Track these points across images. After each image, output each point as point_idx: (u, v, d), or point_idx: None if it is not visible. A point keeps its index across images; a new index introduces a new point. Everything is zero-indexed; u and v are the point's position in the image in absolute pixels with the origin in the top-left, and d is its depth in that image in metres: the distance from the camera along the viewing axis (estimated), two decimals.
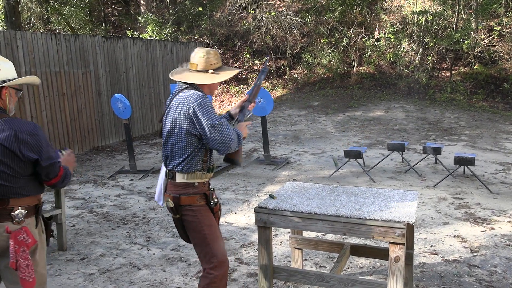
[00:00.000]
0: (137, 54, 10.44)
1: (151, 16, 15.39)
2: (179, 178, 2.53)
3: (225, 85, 15.06)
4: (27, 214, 2.24)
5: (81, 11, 17.66)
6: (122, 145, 9.51)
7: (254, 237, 4.39)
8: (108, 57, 9.58)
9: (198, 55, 2.58)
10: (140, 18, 15.86)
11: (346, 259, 3.19)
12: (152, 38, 13.46)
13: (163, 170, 2.64)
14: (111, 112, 9.52)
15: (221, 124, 2.44)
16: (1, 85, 2.19)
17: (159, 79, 11.17)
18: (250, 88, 3.66)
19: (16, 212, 2.20)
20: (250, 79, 15.22)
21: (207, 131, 2.42)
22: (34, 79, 2.40)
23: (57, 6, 16.49)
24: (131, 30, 16.11)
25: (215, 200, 2.65)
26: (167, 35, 15.32)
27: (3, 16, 13.50)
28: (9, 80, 2.22)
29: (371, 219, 2.48)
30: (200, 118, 2.41)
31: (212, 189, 2.67)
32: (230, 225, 4.79)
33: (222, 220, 4.93)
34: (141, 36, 14.94)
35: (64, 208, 4.27)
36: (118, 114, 7.04)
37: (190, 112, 2.42)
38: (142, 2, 17.75)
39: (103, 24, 19.20)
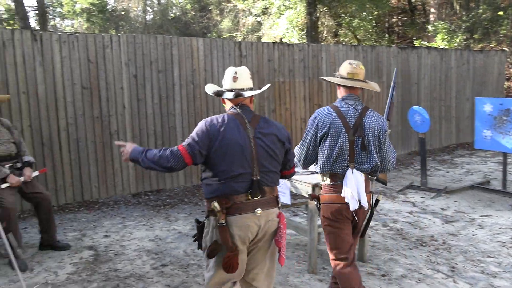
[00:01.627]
0: (431, 64, 9.94)
1: (441, 24, 14.55)
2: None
3: None
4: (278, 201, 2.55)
5: (369, 23, 18.16)
6: (407, 158, 9.22)
7: None
8: (401, 67, 9.42)
9: (360, 66, 2.97)
10: (429, 27, 15.21)
11: None
12: (446, 48, 12.63)
13: (360, 175, 2.82)
14: (399, 123, 9.34)
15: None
16: (252, 93, 2.58)
17: (451, 91, 10.36)
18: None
19: (278, 199, 2.54)
20: None
21: (388, 149, 2.97)
22: (265, 89, 2.79)
23: (347, 19, 17.42)
24: (419, 40, 15.61)
25: None
26: (457, 43, 14.19)
27: (303, 32, 15.08)
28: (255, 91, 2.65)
29: None
30: (387, 139, 2.98)
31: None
32: None
33: None
34: (429, 45, 14.29)
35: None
36: (415, 127, 6.77)
37: (383, 131, 2.93)
38: (432, 10, 17.04)
39: (387, 34, 19.30)
